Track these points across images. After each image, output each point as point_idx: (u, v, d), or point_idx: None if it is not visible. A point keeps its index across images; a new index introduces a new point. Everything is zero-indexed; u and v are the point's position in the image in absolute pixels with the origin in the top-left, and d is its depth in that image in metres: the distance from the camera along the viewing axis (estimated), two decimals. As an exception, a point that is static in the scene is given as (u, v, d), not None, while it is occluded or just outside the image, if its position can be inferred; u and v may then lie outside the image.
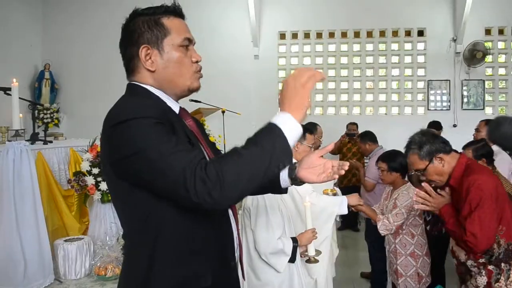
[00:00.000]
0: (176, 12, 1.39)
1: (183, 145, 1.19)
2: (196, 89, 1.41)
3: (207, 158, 1.36)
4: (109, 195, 2.82)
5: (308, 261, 2.33)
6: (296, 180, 1.53)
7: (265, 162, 1.12)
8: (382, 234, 3.13)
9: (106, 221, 2.98)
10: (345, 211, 2.97)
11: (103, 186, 2.89)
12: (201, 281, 1.29)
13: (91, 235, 2.96)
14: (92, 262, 2.66)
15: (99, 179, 2.94)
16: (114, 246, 2.65)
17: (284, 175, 1.54)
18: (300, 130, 1.17)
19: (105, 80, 7.94)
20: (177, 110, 1.40)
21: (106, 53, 7.87)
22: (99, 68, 8.20)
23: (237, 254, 1.47)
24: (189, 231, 1.27)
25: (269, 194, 2.29)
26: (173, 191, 1.14)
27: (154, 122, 1.17)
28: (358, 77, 8.11)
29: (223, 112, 6.10)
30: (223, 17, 8.06)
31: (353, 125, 6.88)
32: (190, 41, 1.38)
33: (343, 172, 1.45)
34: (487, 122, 4.53)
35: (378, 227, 3.09)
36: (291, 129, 1.15)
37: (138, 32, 1.33)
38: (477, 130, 4.69)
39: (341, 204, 2.94)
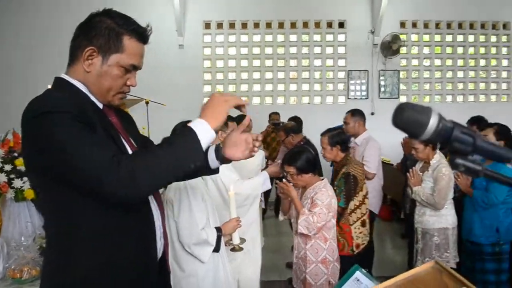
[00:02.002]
0: (141, 36, 1.39)
1: (100, 141, 1.24)
2: (115, 106, 1.46)
3: (129, 153, 1.39)
4: (23, 193, 2.73)
5: (233, 249, 2.38)
6: (224, 161, 1.58)
7: (177, 160, 1.23)
8: (300, 231, 2.80)
9: (21, 221, 2.85)
10: (269, 186, 3.10)
11: (17, 183, 2.75)
12: (118, 269, 1.33)
13: (4, 236, 2.81)
14: (6, 265, 2.53)
15: (12, 176, 2.79)
16: (30, 247, 2.53)
17: (212, 156, 1.58)
18: (213, 134, 1.30)
19: (17, 73, 7.46)
20: (101, 106, 1.41)
21: (24, 45, 7.35)
22: (14, 59, 7.62)
23: (160, 244, 1.49)
24: (107, 221, 1.30)
25: (192, 185, 2.33)
26: (86, 184, 1.20)
27: (72, 116, 1.20)
28: (282, 67, 8.28)
29: (147, 103, 6.01)
30: (147, 5, 7.81)
31: (276, 115, 7.05)
32: (135, 67, 1.40)
33: (257, 144, 1.52)
34: (352, 113, 4.51)
35: (299, 221, 2.77)
36: (204, 132, 1.28)
37: (97, 32, 1.33)
38: (345, 122, 4.50)
39: (264, 183, 3.03)
